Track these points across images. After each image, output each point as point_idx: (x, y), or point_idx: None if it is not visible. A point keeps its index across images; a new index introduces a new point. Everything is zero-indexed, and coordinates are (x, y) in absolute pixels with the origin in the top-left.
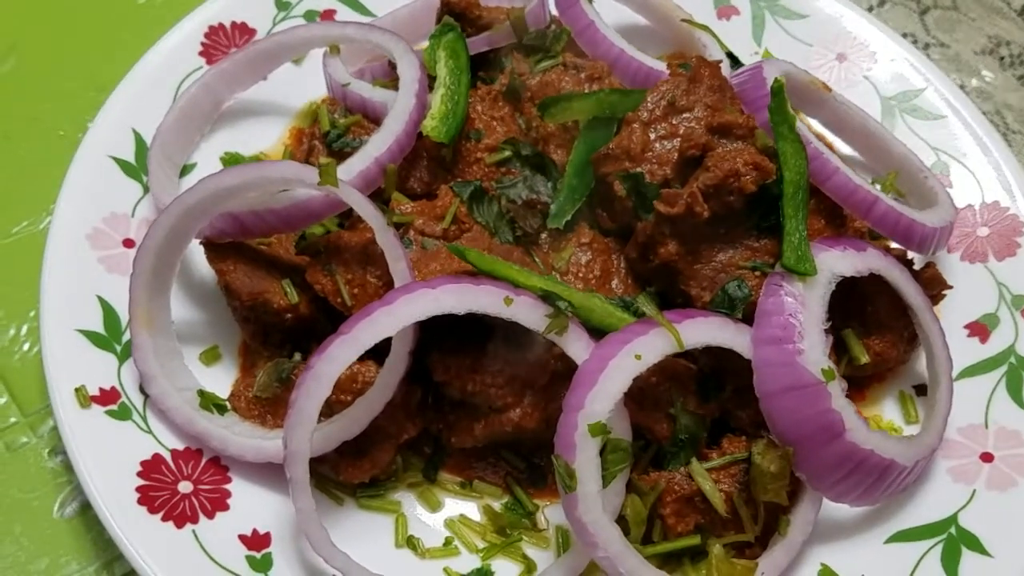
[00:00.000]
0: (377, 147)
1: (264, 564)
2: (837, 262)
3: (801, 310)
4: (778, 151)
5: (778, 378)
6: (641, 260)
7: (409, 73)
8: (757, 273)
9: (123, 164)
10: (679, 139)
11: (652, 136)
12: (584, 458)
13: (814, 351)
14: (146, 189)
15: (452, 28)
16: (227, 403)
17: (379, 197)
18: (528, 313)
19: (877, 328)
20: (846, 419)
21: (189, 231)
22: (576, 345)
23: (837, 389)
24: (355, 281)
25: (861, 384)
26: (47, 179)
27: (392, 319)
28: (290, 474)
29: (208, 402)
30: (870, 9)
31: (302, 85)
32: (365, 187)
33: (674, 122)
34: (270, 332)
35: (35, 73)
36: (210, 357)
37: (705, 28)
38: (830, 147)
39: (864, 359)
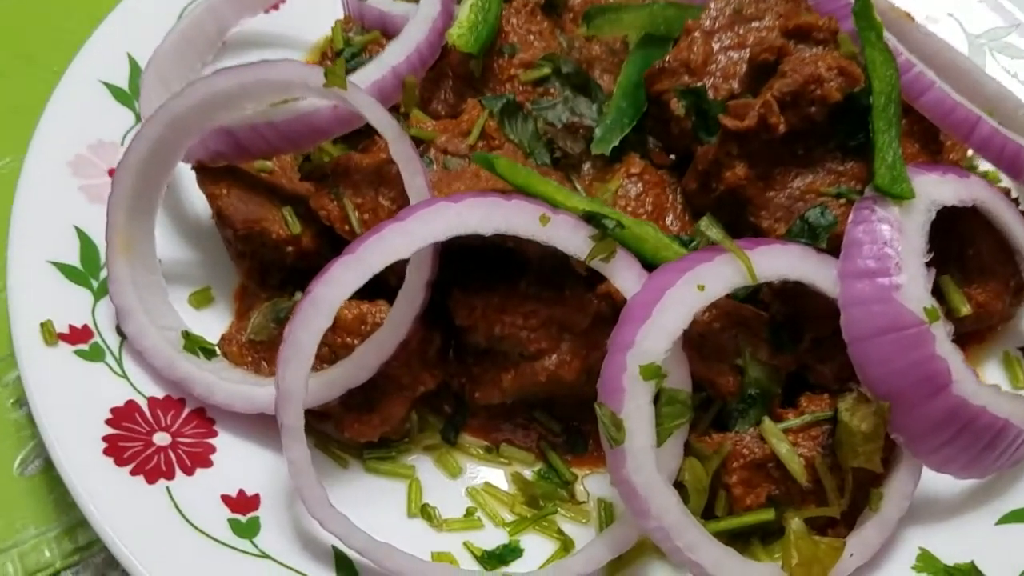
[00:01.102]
0: (395, 55)
1: (250, 529)
2: (937, 188)
3: (898, 238)
4: (866, 59)
5: (871, 318)
6: (702, 191)
7: None
8: (842, 201)
9: (114, 90)
10: (747, 49)
11: (716, 46)
12: (634, 406)
13: (914, 286)
14: (139, 118)
15: None
16: (216, 347)
17: (397, 115)
18: (568, 235)
19: (979, 274)
20: (953, 368)
21: (178, 146)
22: (626, 275)
23: (942, 332)
24: (365, 205)
25: (961, 343)
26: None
27: (405, 238)
28: (281, 419)
29: (194, 345)
30: None
31: (318, 16)
32: (380, 100)
33: (741, 31)
34: (269, 270)
35: (31, 9)
36: (201, 299)
37: None
38: None
39: (965, 310)
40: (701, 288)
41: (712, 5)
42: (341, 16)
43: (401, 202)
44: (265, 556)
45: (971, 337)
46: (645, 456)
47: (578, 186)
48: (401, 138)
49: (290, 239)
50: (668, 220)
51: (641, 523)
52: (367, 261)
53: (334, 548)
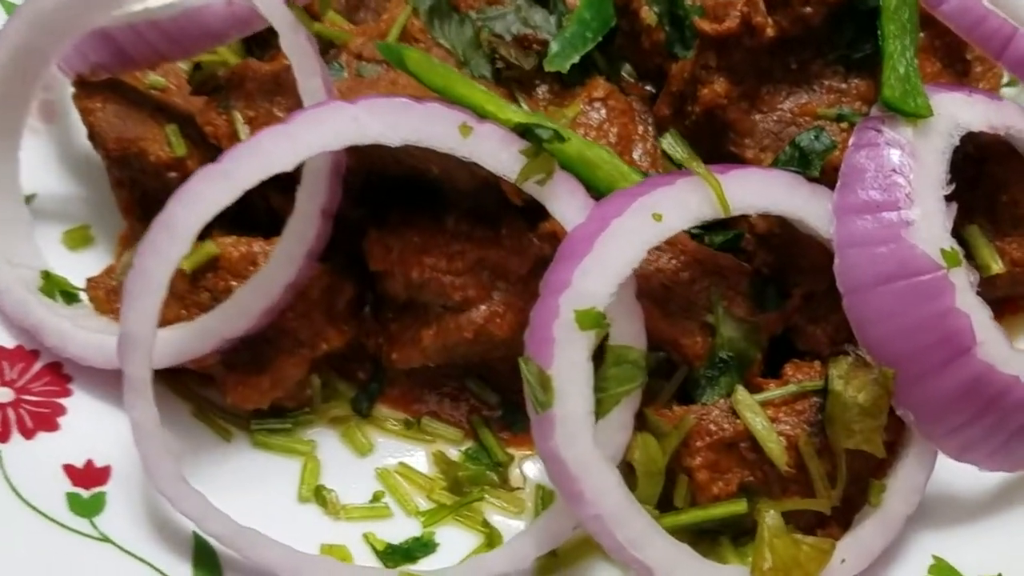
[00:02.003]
0: None
1: (91, 507)
2: (962, 109)
3: (911, 165)
4: None
5: (874, 263)
6: (676, 118)
7: None
8: (843, 126)
9: None
10: None
11: None
12: (567, 361)
13: (930, 223)
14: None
15: None
16: (80, 291)
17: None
18: (495, 149)
19: (1015, 226)
20: (977, 326)
21: (46, 52)
22: (567, 202)
23: (964, 280)
24: (259, 119)
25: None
26: None
27: (286, 145)
28: (125, 369)
29: (54, 287)
30: None
31: None
32: None
33: None
34: (152, 204)
35: None
36: (77, 239)
37: None
38: None
39: (996, 267)
40: (658, 218)
41: None
42: None
43: None
44: (105, 540)
45: (1004, 305)
46: (579, 425)
47: (524, 106)
48: (295, 29)
49: (172, 162)
50: (636, 155)
51: (574, 509)
52: (236, 174)
53: (195, 535)
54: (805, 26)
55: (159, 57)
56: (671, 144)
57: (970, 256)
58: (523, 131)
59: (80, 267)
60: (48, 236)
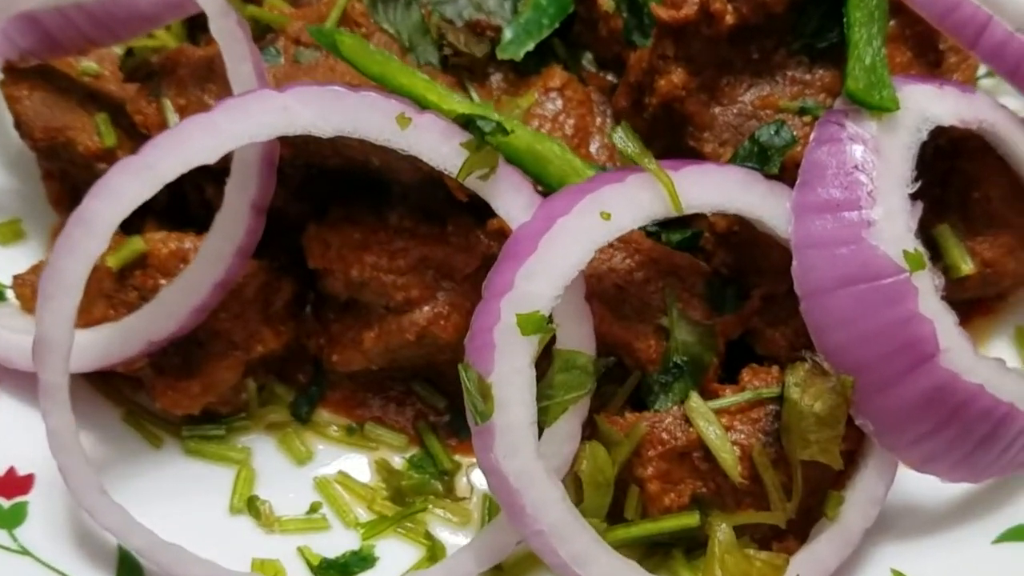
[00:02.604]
0: None
1: (12, 518)
2: (931, 102)
3: (874, 162)
4: None
5: (833, 264)
6: (634, 110)
7: None
8: (806, 119)
9: None
10: None
11: None
12: (508, 368)
13: (893, 223)
14: None
15: None
16: (7, 289)
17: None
18: (435, 142)
19: (987, 225)
20: (941, 332)
21: None
22: (512, 198)
23: (928, 284)
24: (190, 107)
25: (961, 315)
26: None
27: (210, 136)
28: (40, 374)
29: None
30: None
31: None
32: None
33: None
34: (81, 193)
35: None
36: (7, 233)
37: None
38: None
39: (967, 268)
40: (606, 216)
41: None
42: None
43: None
44: (24, 553)
45: (975, 307)
46: (520, 436)
47: (475, 96)
48: (224, 13)
49: (101, 153)
50: (593, 148)
51: (515, 524)
52: (157, 167)
53: (119, 548)
54: (767, 13)
55: (88, 42)
56: (622, 138)
57: (940, 256)
58: (465, 122)
59: (11, 262)
60: None
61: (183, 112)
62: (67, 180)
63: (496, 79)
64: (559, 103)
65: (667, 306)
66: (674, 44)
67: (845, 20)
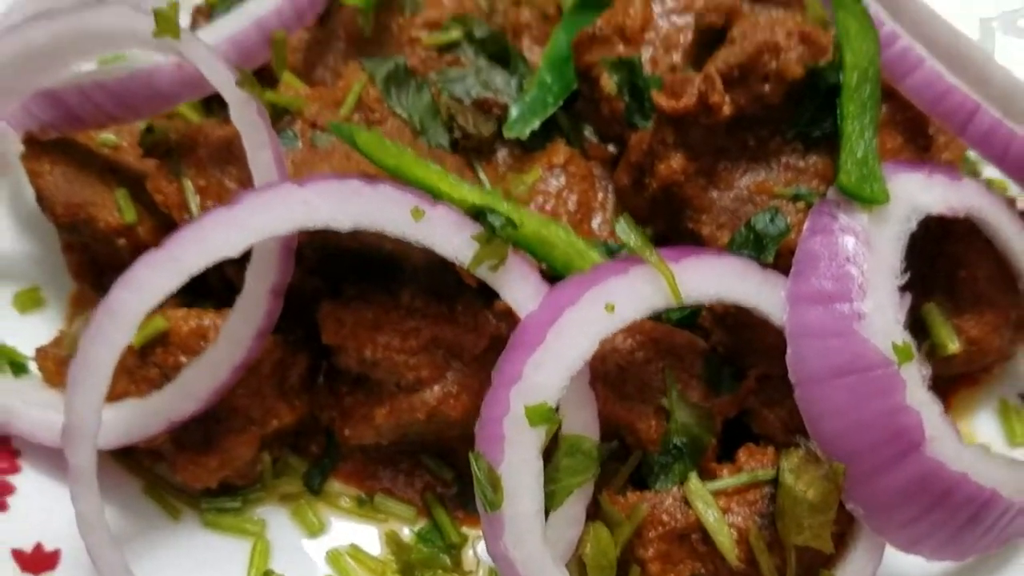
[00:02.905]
0: (262, 4)
1: None
2: (921, 191)
3: (865, 254)
4: (838, 26)
5: (825, 355)
6: (635, 189)
7: None
8: (800, 205)
9: None
10: (691, 15)
11: (657, 9)
12: (517, 458)
13: (882, 316)
14: None
15: None
16: (29, 361)
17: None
18: (448, 234)
19: (973, 304)
20: (927, 423)
21: None
22: (520, 288)
23: (915, 376)
24: (210, 189)
25: (947, 387)
26: None
27: (233, 231)
28: (70, 458)
29: (3, 358)
30: None
31: None
32: (240, 59)
33: None
34: (103, 269)
35: None
36: (27, 301)
37: None
38: None
39: (953, 347)
40: (610, 308)
41: None
42: None
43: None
44: None
45: (961, 380)
46: (528, 524)
47: (482, 176)
48: (245, 102)
49: (122, 229)
50: (595, 223)
51: None
52: (182, 260)
53: None
54: (763, 104)
55: (109, 119)
56: (624, 230)
57: (927, 333)
58: (476, 214)
59: (31, 330)
60: None
61: (203, 193)
62: (87, 252)
63: (502, 154)
64: (562, 179)
65: (667, 387)
66: (674, 131)
67: (839, 111)
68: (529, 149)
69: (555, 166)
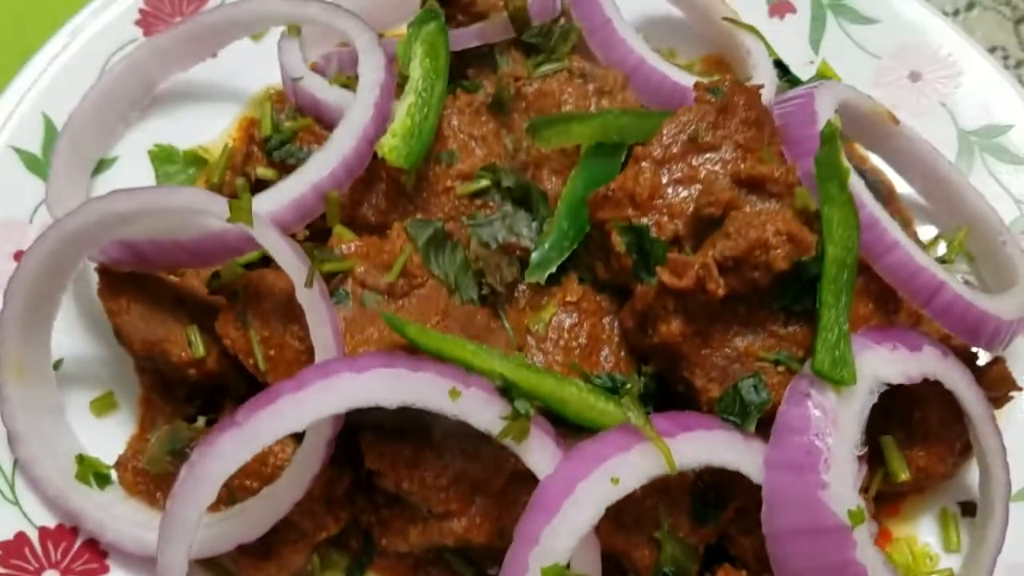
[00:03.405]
0: (318, 170)
1: None
2: (884, 365)
3: (831, 430)
4: (822, 217)
5: (792, 514)
6: (638, 331)
7: (370, 75)
8: (781, 368)
9: (26, 157)
10: (698, 186)
11: (664, 179)
12: None
13: (841, 486)
14: None
15: (435, 16)
16: (111, 471)
17: (320, 227)
18: (480, 411)
19: (924, 438)
20: (872, 573)
21: (73, 261)
22: (538, 456)
23: (864, 535)
24: (272, 340)
25: (896, 497)
26: None
27: (300, 410)
28: None
29: (87, 471)
30: (955, 13)
31: (260, 64)
32: (299, 219)
33: (694, 163)
34: (173, 385)
35: None
36: (103, 406)
37: (751, 29)
38: (889, 188)
39: (904, 476)
40: (615, 481)
41: (665, 131)
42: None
43: (310, 343)
44: None
45: (910, 490)
46: None
47: (507, 322)
48: (308, 284)
49: (193, 362)
50: (603, 354)
51: None
52: (257, 435)
53: None
54: (754, 286)
55: (178, 264)
56: (630, 404)
57: (882, 461)
58: (503, 391)
59: (108, 434)
60: (76, 405)
61: (267, 343)
62: (158, 374)
63: (523, 290)
64: (575, 316)
65: (660, 522)
66: (674, 300)
67: (818, 296)
68: (547, 283)
69: (568, 303)
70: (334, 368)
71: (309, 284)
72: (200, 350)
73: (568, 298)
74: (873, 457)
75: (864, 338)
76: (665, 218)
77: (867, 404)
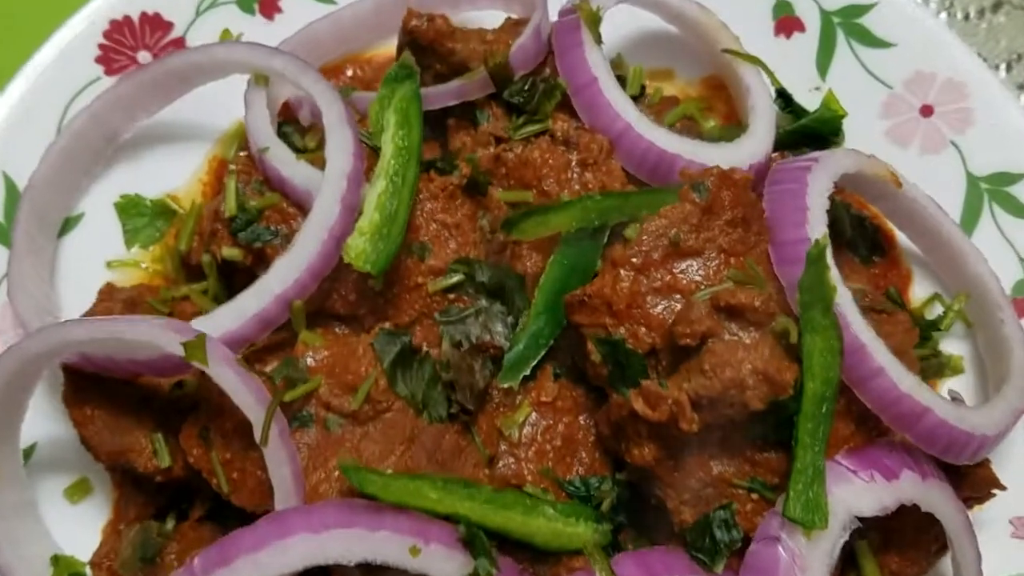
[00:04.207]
0: (281, 280)
1: None
2: (859, 498)
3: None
4: (803, 347)
5: None
6: (614, 437)
7: (337, 162)
8: (755, 496)
9: None
10: (678, 296)
11: (643, 287)
12: None
13: None
14: None
15: (409, 75)
16: (87, 570)
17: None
18: (441, 566)
19: (899, 545)
20: None
21: (36, 375)
22: None
23: None
24: (235, 463)
25: None
26: None
27: (258, 571)
28: None
29: (63, 571)
30: (980, 14)
31: (229, 98)
32: (262, 331)
33: (676, 270)
34: (142, 483)
35: None
36: (77, 492)
37: (753, 60)
38: (890, 238)
39: None
40: None
41: (645, 234)
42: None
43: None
44: None
45: None
46: None
47: (477, 440)
48: (263, 441)
49: (158, 471)
50: (578, 458)
51: None
52: None
53: None
54: (728, 420)
55: (136, 377)
56: (594, 554)
57: (854, 564)
58: (466, 542)
59: (83, 522)
60: (50, 492)
61: (229, 466)
62: (127, 475)
63: (496, 392)
64: (550, 418)
65: None
66: (647, 426)
67: (794, 435)
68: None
69: (543, 403)
70: (292, 526)
71: (264, 441)
72: (165, 460)
73: (543, 398)
74: (847, 560)
75: (841, 465)
76: (642, 330)
77: (839, 541)
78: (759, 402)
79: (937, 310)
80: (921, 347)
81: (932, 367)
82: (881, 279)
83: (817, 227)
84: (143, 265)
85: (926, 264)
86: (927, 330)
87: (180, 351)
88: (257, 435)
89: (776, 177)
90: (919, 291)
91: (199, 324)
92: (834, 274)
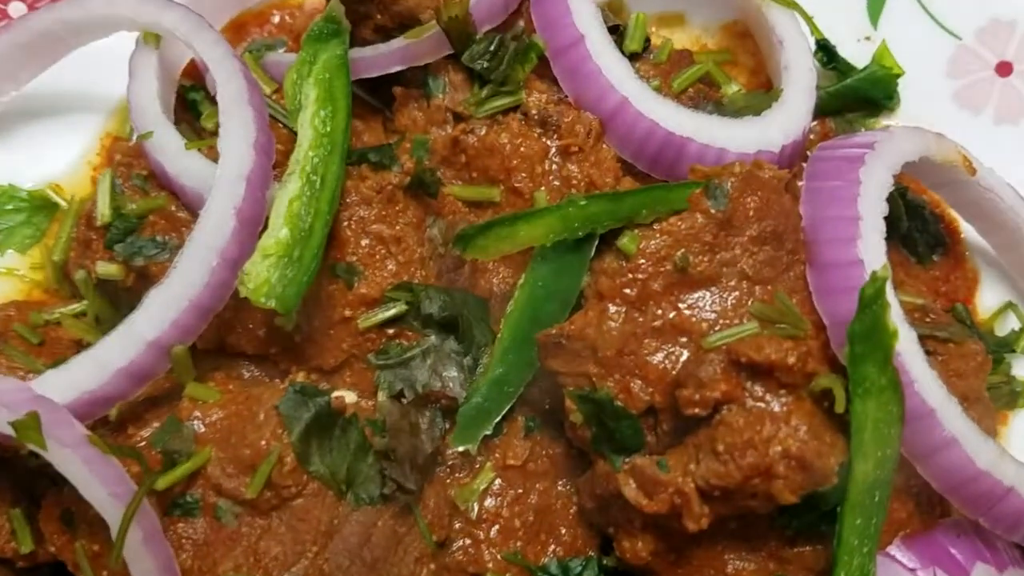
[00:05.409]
0: (153, 322)
1: None
2: None
3: None
4: (852, 416)
5: None
6: (599, 514)
7: (233, 159)
8: None
9: None
10: (684, 340)
11: (638, 327)
12: None
13: None
14: None
15: (336, 33)
16: None
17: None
18: None
19: None
20: None
21: None
22: None
23: None
24: (102, 560)
25: None
26: None
27: None
28: None
29: None
30: None
31: (121, 60)
32: (133, 387)
33: (681, 305)
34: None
35: None
36: None
37: (788, 3)
38: (953, 230)
39: None
40: None
41: (642, 260)
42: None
43: None
44: None
45: None
46: None
47: (421, 524)
48: (124, 534)
49: (19, 556)
50: (557, 532)
51: None
52: None
53: None
54: (749, 510)
55: None
56: None
57: None
58: None
59: None
60: None
61: (96, 561)
62: None
63: (449, 454)
64: (520, 487)
65: None
66: (642, 517)
67: (837, 533)
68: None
69: (510, 467)
70: None
71: (117, 552)
72: (28, 543)
73: (510, 460)
74: None
75: (896, 563)
76: (637, 383)
77: None
78: (791, 495)
79: (1010, 323)
80: (991, 372)
81: (1003, 396)
82: (942, 283)
83: (873, 245)
84: (19, 272)
85: (998, 265)
86: (998, 351)
87: (10, 430)
88: (115, 539)
89: (817, 169)
90: (988, 298)
91: (48, 382)
92: (895, 312)
